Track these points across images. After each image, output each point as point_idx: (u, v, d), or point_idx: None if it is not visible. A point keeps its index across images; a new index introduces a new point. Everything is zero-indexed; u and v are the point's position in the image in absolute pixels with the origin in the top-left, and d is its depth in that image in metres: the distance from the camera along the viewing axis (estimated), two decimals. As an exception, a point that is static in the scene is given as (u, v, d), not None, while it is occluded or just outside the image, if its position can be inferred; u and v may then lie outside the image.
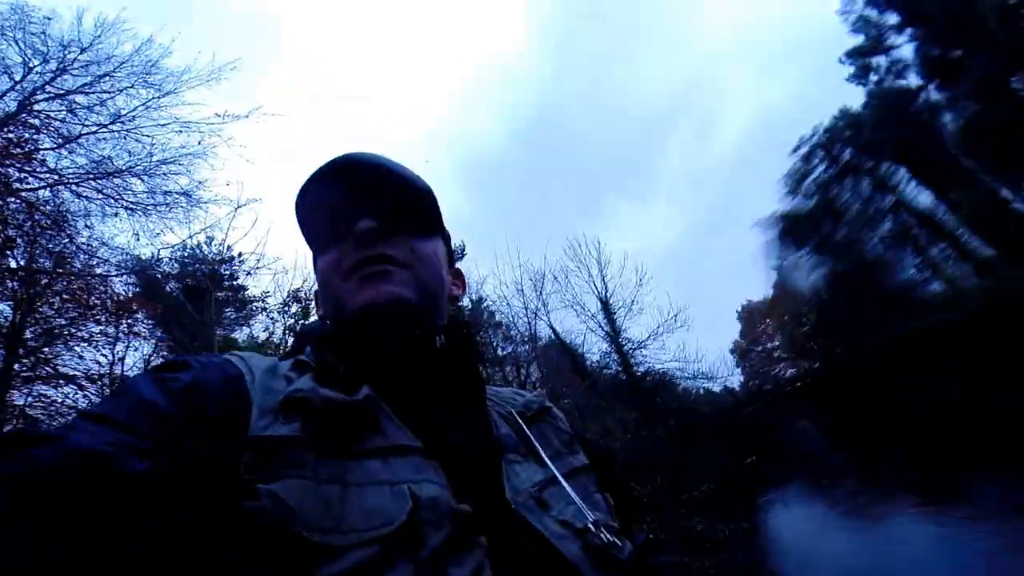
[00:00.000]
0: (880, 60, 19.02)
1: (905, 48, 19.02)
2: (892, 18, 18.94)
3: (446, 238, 0.71)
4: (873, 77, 17.72)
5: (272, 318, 9.04)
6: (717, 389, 12.11)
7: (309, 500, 0.39)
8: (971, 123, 16.60)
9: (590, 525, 0.52)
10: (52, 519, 0.33)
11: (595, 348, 11.94)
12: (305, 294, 9.24)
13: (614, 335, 11.67)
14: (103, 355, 8.43)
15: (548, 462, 0.57)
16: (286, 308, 9.04)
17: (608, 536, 0.51)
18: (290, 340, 9.66)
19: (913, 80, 18.92)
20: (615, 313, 11.67)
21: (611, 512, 0.59)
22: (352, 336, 0.55)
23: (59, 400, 8.33)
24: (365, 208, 0.60)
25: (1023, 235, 14.90)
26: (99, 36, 7.47)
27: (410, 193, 0.63)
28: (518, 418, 0.63)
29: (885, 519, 7.22)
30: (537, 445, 0.59)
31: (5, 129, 6.85)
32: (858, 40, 19.01)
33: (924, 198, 17.22)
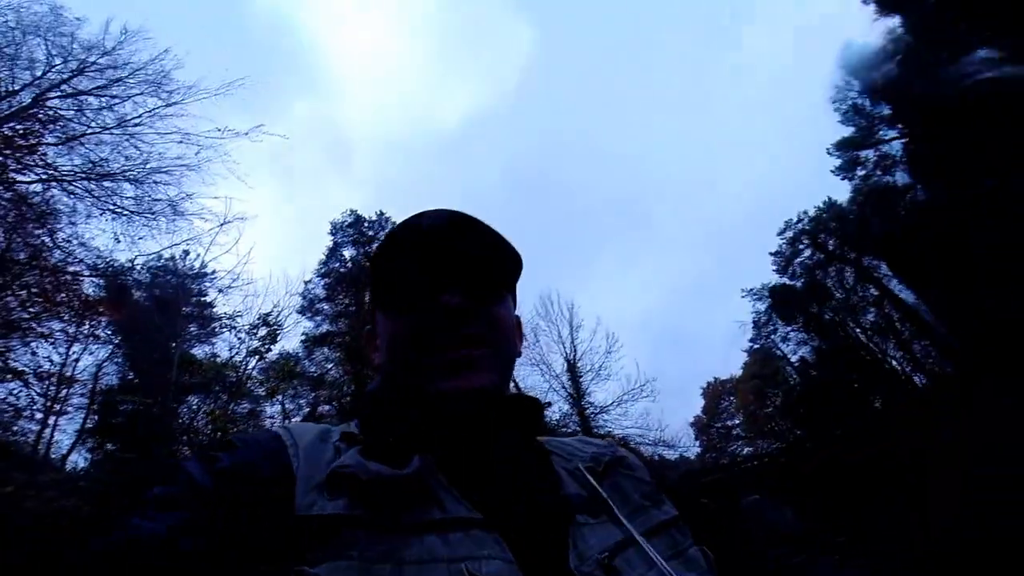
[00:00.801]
0: (869, 154, 20.41)
1: (895, 143, 20.34)
2: (884, 110, 20.32)
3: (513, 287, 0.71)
4: (860, 172, 19.19)
5: (240, 338, 9.51)
6: (673, 457, 12.55)
7: None
8: (953, 226, 17.79)
9: None
10: None
11: (556, 409, 12.40)
12: (274, 319, 9.77)
13: (577, 398, 12.17)
14: (58, 353, 8.77)
15: (624, 520, 0.55)
16: (254, 331, 9.54)
17: None
18: (251, 363, 10.05)
19: (901, 177, 20.21)
20: (581, 376, 12.24)
21: (711, 568, 0.58)
22: (429, 418, 0.56)
23: (1, 396, 8.59)
24: (453, 278, 0.60)
25: (1002, 340, 15.76)
26: (121, 42, 8.51)
27: (500, 263, 0.65)
28: (587, 474, 0.61)
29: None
30: (610, 502, 0.57)
31: (15, 121, 7.63)
32: (848, 131, 20.50)
33: (908, 294, 18.26)
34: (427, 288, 0.60)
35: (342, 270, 15.40)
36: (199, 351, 10.62)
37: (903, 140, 20.20)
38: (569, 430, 11.91)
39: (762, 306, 19.26)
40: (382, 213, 16.83)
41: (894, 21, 18.65)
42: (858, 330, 16.77)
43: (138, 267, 9.14)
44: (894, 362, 17.31)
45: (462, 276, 0.61)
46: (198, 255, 9.91)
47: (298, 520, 0.44)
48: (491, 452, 0.57)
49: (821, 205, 17.69)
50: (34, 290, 8.34)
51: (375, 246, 0.83)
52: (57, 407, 9.36)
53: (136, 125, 8.59)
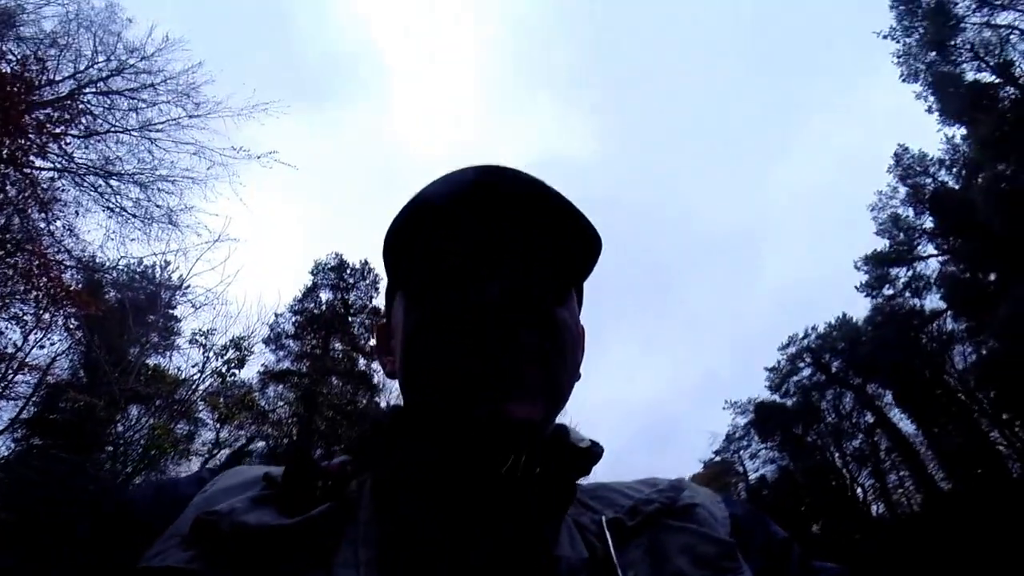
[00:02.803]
0: (900, 272, 21.76)
1: (932, 263, 21.49)
2: (927, 222, 21.47)
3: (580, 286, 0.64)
4: (887, 291, 20.74)
5: (206, 357, 10.87)
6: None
7: None
8: (986, 361, 19.15)
9: None
10: None
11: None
12: (247, 345, 11.16)
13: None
14: (22, 337, 10.18)
15: None
16: (224, 352, 10.92)
17: None
18: (206, 384, 11.38)
19: (932, 302, 21.54)
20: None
21: None
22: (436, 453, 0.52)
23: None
24: (499, 262, 0.52)
25: (1000, 479, 17.21)
26: (161, 50, 10.30)
27: (570, 246, 0.56)
28: (606, 528, 0.51)
29: None
30: (620, 569, 0.47)
31: (51, 108, 9.17)
32: (882, 244, 21.75)
33: (906, 425, 19.68)
34: (463, 270, 0.52)
35: (315, 311, 17.05)
36: (153, 362, 11.95)
37: (942, 259, 21.54)
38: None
39: (743, 420, 21.26)
40: (366, 263, 18.69)
41: (958, 132, 20.14)
42: (837, 455, 18.38)
43: (120, 268, 10.61)
44: (860, 490, 18.81)
45: (514, 260, 0.53)
46: (178, 268, 11.37)
47: (136, 573, 0.43)
48: (486, 504, 0.50)
49: (833, 322, 19.29)
50: (20, 271, 9.68)
51: (404, 205, 0.55)
52: (2, 391, 10.69)
53: (157, 131, 10.22)
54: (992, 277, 19.81)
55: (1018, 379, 15.95)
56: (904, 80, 19.66)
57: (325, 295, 18.39)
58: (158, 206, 10.45)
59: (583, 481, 0.59)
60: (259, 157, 10.92)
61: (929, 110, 19.90)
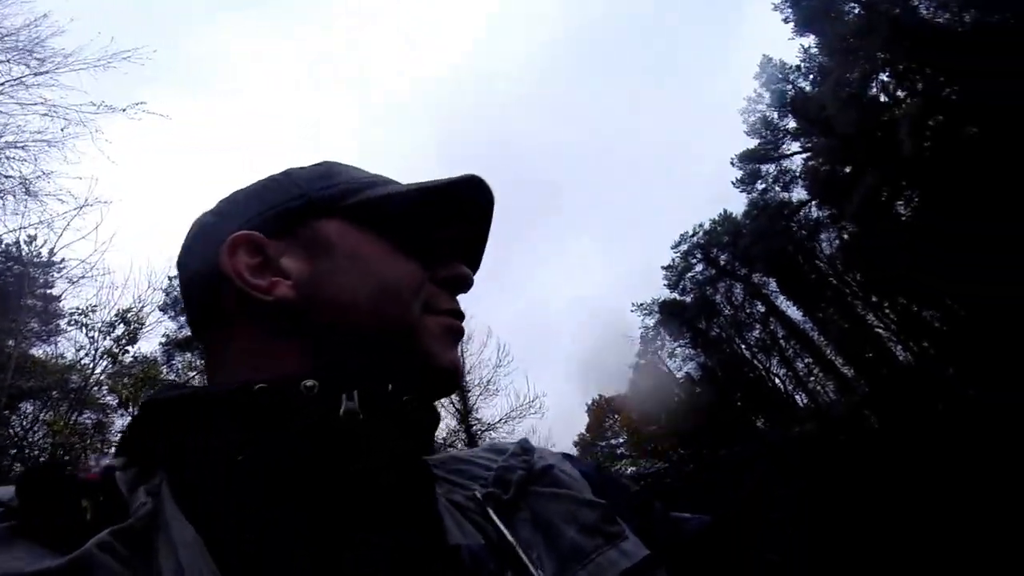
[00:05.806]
0: (770, 168, 26.08)
1: (797, 159, 26.00)
2: (790, 123, 25.75)
3: None
4: (760, 185, 24.73)
5: (91, 337, 10.89)
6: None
7: None
8: (848, 245, 23.63)
9: None
10: None
11: (444, 425, 15.06)
12: (136, 316, 11.28)
13: (464, 414, 14.99)
14: None
15: None
16: (110, 329, 11.02)
17: None
18: (103, 365, 11.56)
19: (798, 194, 26.02)
20: (468, 391, 14.99)
21: None
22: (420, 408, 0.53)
23: None
24: (478, 255, 0.69)
25: (882, 359, 21.70)
26: None
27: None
28: (488, 505, 0.52)
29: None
30: (520, 551, 0.48)
31: None
32: (752, 144, 25.88)
33: (795, 312, 23.95)
34: (452, 248, 0.64)
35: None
36: (39, 351, 11.65)
37: (804, 156, 25.97)
38: (456, 449, 14.60)
39: (651, 321, 24.25)
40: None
41: (811, 40, 23.98)
42: (743, 347, 22.08)
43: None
44: (777, 380, 22.83)
45: (480, 256, 0.69)
46: (46, 241, 11.06)
47: None
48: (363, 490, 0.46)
49: (717, 218, 22.72)
50: None
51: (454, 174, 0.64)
52: None
53: (-1, 94, 9.81)
54: (847, 170, 24.34)
55: (877, 261, 19.99)
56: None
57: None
58: (7, 176, 10.19)
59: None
60: (123, 109, 10.86)
61: (786, 20, 23.50)
